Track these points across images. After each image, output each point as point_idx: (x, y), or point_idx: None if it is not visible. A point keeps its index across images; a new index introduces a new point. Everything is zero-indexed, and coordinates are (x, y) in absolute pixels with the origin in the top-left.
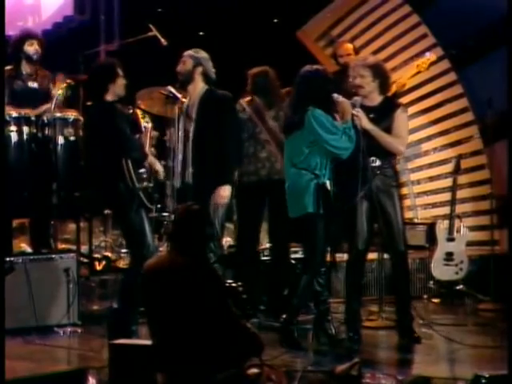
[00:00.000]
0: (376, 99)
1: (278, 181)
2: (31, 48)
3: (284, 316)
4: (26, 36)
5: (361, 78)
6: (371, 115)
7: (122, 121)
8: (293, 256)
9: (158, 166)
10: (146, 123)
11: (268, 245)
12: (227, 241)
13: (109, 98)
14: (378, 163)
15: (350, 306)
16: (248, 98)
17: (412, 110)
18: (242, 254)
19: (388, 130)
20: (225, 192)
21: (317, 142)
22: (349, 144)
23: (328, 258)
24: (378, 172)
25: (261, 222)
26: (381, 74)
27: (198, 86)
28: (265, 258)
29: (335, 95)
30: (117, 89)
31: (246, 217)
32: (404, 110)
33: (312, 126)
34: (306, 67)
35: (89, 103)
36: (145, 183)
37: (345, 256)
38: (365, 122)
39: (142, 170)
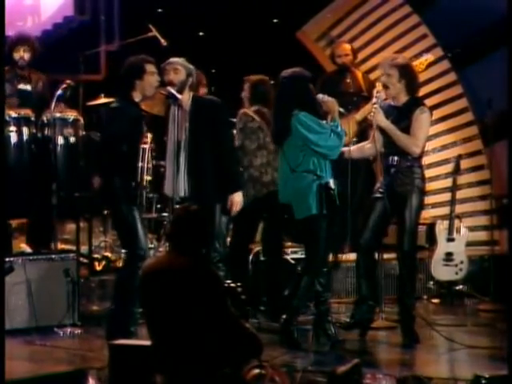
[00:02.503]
0: (402, 99)
1: None
2: (17, 55)
3: (284, 316)
4: (15, 42)
5: (387, 77)
6: (392, 115)
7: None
8: (293, 256)
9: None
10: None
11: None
12: None
13: (136, 97)
14: (397, 162)
15: (357, 303)
16: (255, 108)
17: None
18: (235, 255)
19: (407, 129)
20: (238, 198)
21: (307, 144)
22: (338, 142)
23: (331, 258)
24: (396, 170)
25: (258, 226)
26: (408, 75)
27: (187, 95)
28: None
29: (320, 95)
30: (145, 87)
31: (246, 222)
32: (423, 111)
33: (298, 131)
34: (281, 73)
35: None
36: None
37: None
38: (380, 119)
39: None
